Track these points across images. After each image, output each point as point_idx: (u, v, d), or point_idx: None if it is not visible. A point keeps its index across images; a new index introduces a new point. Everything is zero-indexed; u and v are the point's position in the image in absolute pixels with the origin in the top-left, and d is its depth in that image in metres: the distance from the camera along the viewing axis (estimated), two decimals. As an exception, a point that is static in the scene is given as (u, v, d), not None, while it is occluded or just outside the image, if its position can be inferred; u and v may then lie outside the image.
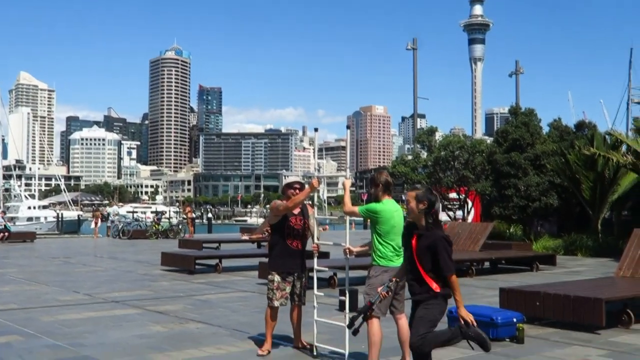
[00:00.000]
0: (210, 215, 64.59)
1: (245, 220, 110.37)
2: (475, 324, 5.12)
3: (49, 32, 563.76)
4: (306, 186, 7.17)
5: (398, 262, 6.15)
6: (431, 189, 5.53)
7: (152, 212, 60.39)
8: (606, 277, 12.40)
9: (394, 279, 5.86)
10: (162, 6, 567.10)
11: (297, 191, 7.16)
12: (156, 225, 32.95)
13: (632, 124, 24.67)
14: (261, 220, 72.52)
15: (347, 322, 5.96)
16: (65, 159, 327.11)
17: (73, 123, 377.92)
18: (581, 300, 8.73)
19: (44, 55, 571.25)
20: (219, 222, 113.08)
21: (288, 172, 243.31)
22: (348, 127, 7.07)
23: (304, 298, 7.31)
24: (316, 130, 7.39)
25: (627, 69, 68.35)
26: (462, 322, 5.10)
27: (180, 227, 34.35)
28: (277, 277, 7.15)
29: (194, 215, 36.63)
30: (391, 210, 6.23)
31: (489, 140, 31.82)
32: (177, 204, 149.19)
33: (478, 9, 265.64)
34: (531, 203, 24.93)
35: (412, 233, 5.34)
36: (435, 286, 5.18)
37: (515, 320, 8.08)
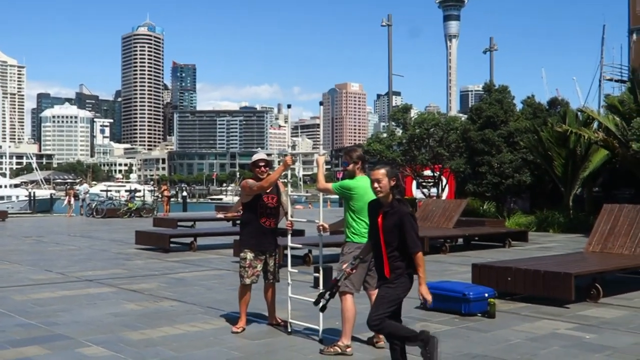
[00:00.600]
0: (185, 193, 64.25)
1: (221, 199, 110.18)
2: (430, 302, 5.05)
3: (18, 7, 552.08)
4: (275, 163, 7.16)
5: (371, 238, 6.19)
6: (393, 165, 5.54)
7: (126, 191, 59.91)
8: (576, 253, 12.62)
9: (359, 258, 5.85)
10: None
11: (263, 168, 7.14)
12: (130, 204, 32.73)
13: (604, 101, 24.97)
14: (236, 199, 72.37)
15: (314, 300, 5.97)
16: (37, 136, 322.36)
17: (44, 100, 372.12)
18: (551, 275, 8.88)
19: (13, 30, 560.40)
20: (194, 200, 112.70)
21: (264, 150, 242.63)
22: (321, 103, 7.07)
23: (277, 275, 7.34)
24: (289, 107, 7.38)
25: (600, 46, 68.99)
26: (421, 299, 5.04)
27: (154, 205, 34.16)
28: (249, 255, 7.16)
29: (169, 194, 36.38)
30: (365, 186, 6.24)
31: (464, 117, 31.99)
32: (152, 182, 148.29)
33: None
34: (504, 180, 25.19)
35: (378, 212, 5.25)
36: (399, 264, 5.11)
37: (487, 295, 8.21)
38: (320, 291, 6.02)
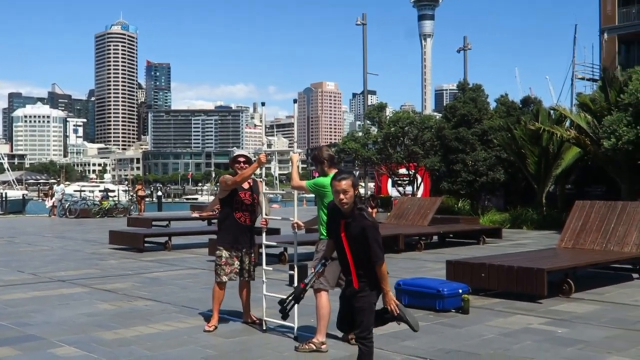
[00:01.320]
0: (160, 193, 63.77)
1: (196, 199, 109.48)
2: (396, 312, 4.99)
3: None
4: (253, 160, 7.15)
5: (345, 235, 6.20)
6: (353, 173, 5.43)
7: (100, 191, 59.36)
8: (549, 249, 12.76)
9: (326, 258, 5.78)
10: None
11: (242, 164, 7.14)
12: (103, 202, 32.43)
13: (576, 100, 25.27)
14: (212, 198, 72.03)
15: (280, 306, 5.84)
16: (9, 137, 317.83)
17: (16, 100, 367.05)
18: (524, 271, 8.98)
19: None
20: (170, 200, 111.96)
21: (239, 149, 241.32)
22: (295, 101, 7.08)
23: (253, 274, 7.33)
24: (263, 104, 7.35)
25: (572, 46, 69.78)
26: (390, 308, 4.99)
27: (130, 205, 33.87)
28: (224, 253, 7.14)
29: (144, 194, 36.06)
30: (338, 184, 6.25)
31: (438, 116, 32.21)
32: (127, 182, 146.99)
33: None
34: (479, 178, 25.42)
35: (339, 219, 5.10)
36: (367, 273, 5.00)
37: (460, 291, 8.26)
38: (288, 297, 5.87)
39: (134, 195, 36.33)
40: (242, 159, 7.18)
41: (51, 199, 34.99)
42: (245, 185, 7.20)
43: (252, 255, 7.30)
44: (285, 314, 5.81)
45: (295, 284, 6.61)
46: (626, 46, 39.83)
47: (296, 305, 6.11)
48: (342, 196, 4.99)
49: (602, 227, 11.42)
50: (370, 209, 25.43)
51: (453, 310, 8.15)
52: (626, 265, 11.43)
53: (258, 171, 7.27)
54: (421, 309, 8.22)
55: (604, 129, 19.98)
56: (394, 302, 5.03)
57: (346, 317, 5.32)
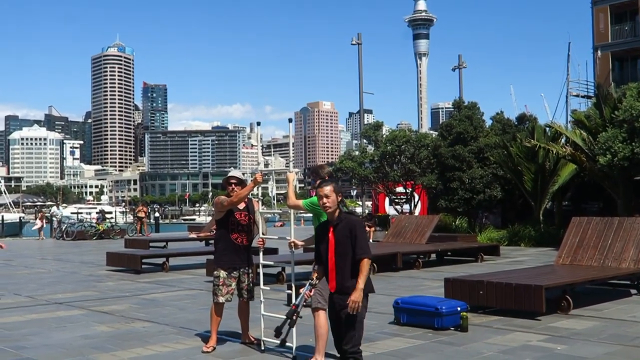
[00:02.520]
0: (157, 214, 63.66)
1: (194, 219, 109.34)
2: (352, 312, 5.11)
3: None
4: (248, 180, 7.16)
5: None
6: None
7: (97, 213, 59.25)
8: (546, 265, 12.77)
9: (314, 277, 5.78)
10: (103, 2, 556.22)
11: (234, 186, 7.15)
12: (99, 225, 32.36)
13: (571, 117, 25.41)
14: (209, 219, 71.92)
15: (274, 332, 5.83)
16: (5, 159, 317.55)
17: (12, 122, 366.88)
18: (522, 288, 8.97)
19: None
20: (167, 221, 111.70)
21: (237, 169, 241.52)
22: (290, 120, 7.10)
23: (252, 293, 7.31)
24: (259, 124, 7.39)
25: (566, 63, 70.23)
26: (351, 305, 5.05)
27: (129, 227, 33.67)
28: (222, 273, 7.13)
29: (143, 215, 35.84)
30: (335, 203, 6.27)
31: (434, 134, 32.29)
32: (124, 204, 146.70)
33: (422, 4, 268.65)
34: (476, 195, 25.43)
35: (327, 228, 5.36)
36: (352, 277, 5.14)
37: (459, 309, 8.25)
38: (282, 324, 5.87)
39: (134, 216, 36.20)
40: (233, 181, 7.19)
41: (40, 221, 34.90)
42: (241, 205, 7.21)
43: (251, 274, 7.29)
44: (282, 340, 5.77)
45: (293, 303, 6.59)
46: (620, 63, 40.10)
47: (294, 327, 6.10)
48: (325, 200, 5.35)
49: (600, 244, 11.43)
50: (367, 228, 25.47)
51: (452, 328, 8.13)
52: (624, 281, 11.43)
53: (255, 191, 7.28)
54: (420, 327, 8.20)
55: (600, 146, 20.07)
56: (358, 304, 5.03)
57: (340, 333, 5.33)
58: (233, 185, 7.15)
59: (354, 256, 5.17)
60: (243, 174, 7.83)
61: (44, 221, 35.04)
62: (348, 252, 5.17)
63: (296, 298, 6.47)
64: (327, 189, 5.38)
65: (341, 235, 5.22)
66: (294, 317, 5.74)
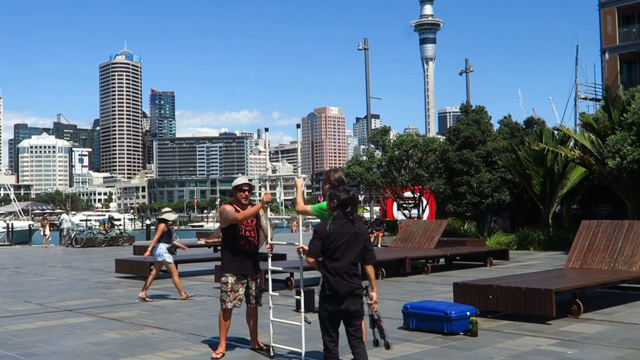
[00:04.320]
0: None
1: (202, 226, 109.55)
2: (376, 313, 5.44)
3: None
4: (260, 193, 7.16)
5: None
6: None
7: (108, 217, 59.40)
8: (556, 269, 12.70)
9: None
10: (111, 10, 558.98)
11: (247, 193, 7.16)
12: (102, 226, 32.32)
13: (579, 120, 25.31)
14: (217, 225, 72.12)
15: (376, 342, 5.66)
16: (14, 167, 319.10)
17: (21, 130, 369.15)
18: (532, 292, 8.92)
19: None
20: (175, 227, 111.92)
21: (244, 176, 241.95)
22: (298, 126, 7.11)
23: (259, 299, 7.30)
24: (267, 130, 7.39)
25: (574, 66, 70.16)
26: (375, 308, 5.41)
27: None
28: (230, 279, 7.13)
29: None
30: (343, 208, 6.26)
31: (442, 138, 32.24)
32: (132, 211, 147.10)
33: (428, 9, 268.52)
34: (484, 199, 25.36)
35: None
36: (358, 281, 5.45)
37: (468, 314, 8.22)
38: (376, 338, 5.61)
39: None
40: (246, 187, 7.20)
41: (43, 228, 34.90)
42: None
43: (258, 280, 7.29)
44: (386, 344, 5.58)
45: (302, 309, 6.59)
46: (628, 65, 39.96)
47: (304, 331, 6.07)
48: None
49: (610, 247, 11.37)
50: (376, 232, 25.42)
51: (461, 333, 8.10)
52: (634, 285, 11.37)
53: (254, 198, 7.26)
54: (429, 332, 8.17)
55: (609, 149, 19.98)
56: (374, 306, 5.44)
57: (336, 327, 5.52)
58: (246, 192, 7.17)
59: (358, 262, 5.52)
60: (250, 180, 7.82)
61: (48, 228, 35.02)
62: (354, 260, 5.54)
63: (305, 303, 6.45)
64: (330, 198, 5.67)
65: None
66: (382, 330, 5.51)
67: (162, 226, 12.34)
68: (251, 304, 7.25)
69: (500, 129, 28.46)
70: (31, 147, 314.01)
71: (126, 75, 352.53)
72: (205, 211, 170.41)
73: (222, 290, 7.19)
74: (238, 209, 7.15)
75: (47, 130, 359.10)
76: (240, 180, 7.31)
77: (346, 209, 5.48)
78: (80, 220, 63.27)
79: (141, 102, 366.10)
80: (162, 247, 12.32)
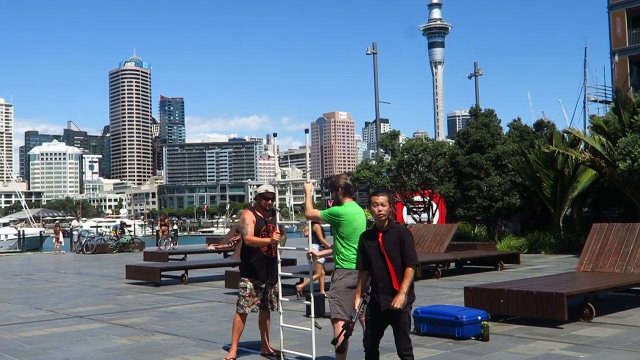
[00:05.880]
0: (176, 227, 63.96)
1: (212, 231, 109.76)
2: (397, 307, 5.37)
3: (3, 45, 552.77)
4: (275, 204, 7.18)
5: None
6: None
7: (119, 223, 59.56)
8: (567, 273, 12.62)
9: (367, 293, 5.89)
10: (120, 17, 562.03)
11: (271, 202, 7.23)
12: (115, 234, 32.37)
13: (589, 122, 25.20)
14: (227, 230, 72.11)
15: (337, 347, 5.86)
16: (25, 174, 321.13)
17: (32, 138, 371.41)
18: (544, 296, 8.87)
19: None
20: (185, 233, 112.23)
21: (254, 181, 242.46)
22: (307, 130, 7.10)
23: (276, 304, 7.29)
24: (275, 135, 7.41)
25: (583, 69, 69.92)
26: (393, 305, 5.34)
27: (166, 239, 33.33)
28: (249, 284, 7.14)
29: (163, 227, 35.70)
30: (353, 212, 6.26)
31: (451, 142, 32.15)
32: (142, 217, 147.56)
33: (436, 13, 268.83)
34: (494, 203, 25.25)
35: (376, 235, 5.59)
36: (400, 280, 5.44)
37: (480, 318, 8.18)
38: (340, 338, 5.82)
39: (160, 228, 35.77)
40: (270, 196, 7.25)
41: (56, 235, 34.99)
42: (268, 217, 7.24)
43: (276, 286, 7.29)
44: (340, 348, 5.75)
45: (312, 314, 6.58)
46: (638, 67, 39.77)
47: (314, 336, 6.05)
48: (380, 208, 5.60)
49: (621, 250, 11.28)
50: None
51: (473, 338, 8.06)
52: (647, 288, 11.26)
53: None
54: (440, 336, 8.14)
55: (619, 151, 19.86)
56: (402, 305, 5.33)
57: (378, 335, 5.56)
58: (269, 200, 7.25)
59: (402, 262, 5.47)
60: (258, 185, 7.84)
61: (62, 235, 35.10)
62: (397, 257, 5.47)
63: (315, 309, 6.45)
64: (382, 198, 5.66)
65: (390, 240, 5.51)
66: (349, 333, 5.73)
67: (317, 226, 12.24)
68: (268, 309, 7.26)
69: (509, 132, 28.34)
70: (42, 154, 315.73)
71: (136, 82, 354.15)
72: (216, 217, 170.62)
73: (240, 294, 7.19)
74: (260, 215, 7.23)
75: (57, 137, 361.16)
76: (265, 187, 7.34)
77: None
78: (91, 227, 63.49)
79: (151, 108, 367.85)
80: (316, 247, 11.92)
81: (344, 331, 5.76)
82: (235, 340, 7.23)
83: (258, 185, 7.46)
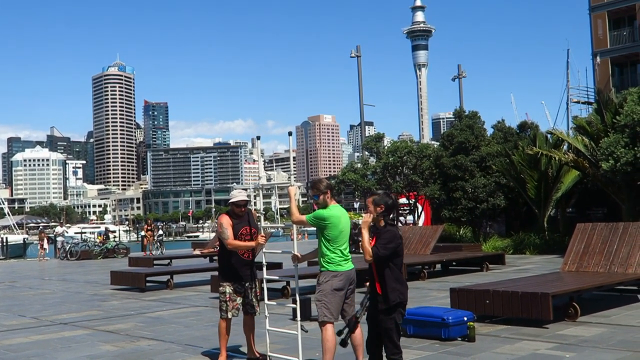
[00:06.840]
0: (161, 232, 63.63)
1: (197, 236, 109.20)
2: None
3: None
4: (255, 203, 7.14)
5: (346, 266, 6.20)
6: (389, 194, 5.99)
7: (104, 230, 59.22)
8: (552, 273, 12.69)
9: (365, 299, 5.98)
10: (103, 22, 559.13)
11: (243, 209, 7.19)
12: (99, 237, 32.20)
13: (572, 123, 25.37)
14: (212, 235, 71.91)
15: (340, 341, 6.04)
16: (8, 181, 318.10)
17: (15, 144, 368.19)
18: (529, 296, 8.91)
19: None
20: (171, 238, 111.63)
21: (239, 185, 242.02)
22: (290, 133, 7.09)
23: (257, 308, 7.27)
24: (258, 138, 7.38)
25: (565, 70, 70.50)
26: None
27: (154, 245, 33.07)
28: (228, 289, 7.11)
29: (148, 233, 35.44)
30: (338, 215, 6.26)
31: (436, 144, 32.26)
32: (127, 222, 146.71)
33: (420, 16, 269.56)
34: (479, 204, 25.35)
35: (373, 237, 5.73)
36: (383, 284, 5.57)
37: (466, 319, 8.20)
38: (342, 329, 6.06)
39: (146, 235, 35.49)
40: (243, 204, 7.21)
41: (41, 242, 34.71)
42: (244, 220, 7.20)
43: (256, 289, 7.26)
44: (344, 343, 5.94)
45: (299, 317, 6.57)
46: (619, 68, 40.13)
47: (300, 339, 6.05)
48: (369, 210, 5.75)
49: (605, 249, 11.37)
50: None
51: (459, 339, 8.07)
52: (631, 287, 11.35)
53: (258, 205, 7.24)
54: (427, 338, 8.14)
55: (602, 151, 20.02)
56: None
57: (376, 338, 5.70)
58: (242, 208, 7.21)
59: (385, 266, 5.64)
60: (245, 189, 7.81)
61: (47, 242, 34.82)
62: (380, 262, 5.62)
63: (301, 312, 6.44)
64: (368, 200, 5.81)
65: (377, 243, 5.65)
66: (354, 327, 5.97)
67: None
68: (248, 313, 7.22)
69: (494, 133, 28.47)
70: (25, 160, 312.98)
71: (119, 87, 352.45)
72: (201, 221, 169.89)
73: (220, 300, 7.16)
74: (236, 220, 7.18)
75: (40, 143, 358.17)
76: (237, 196, 7.25)
77: (392, 213, 5.78)
78: (75, 233, 62.96)
79: (134, 113, 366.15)
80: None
81: (347, 327, 5.87)
82: (224, 346, 7.19)
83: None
